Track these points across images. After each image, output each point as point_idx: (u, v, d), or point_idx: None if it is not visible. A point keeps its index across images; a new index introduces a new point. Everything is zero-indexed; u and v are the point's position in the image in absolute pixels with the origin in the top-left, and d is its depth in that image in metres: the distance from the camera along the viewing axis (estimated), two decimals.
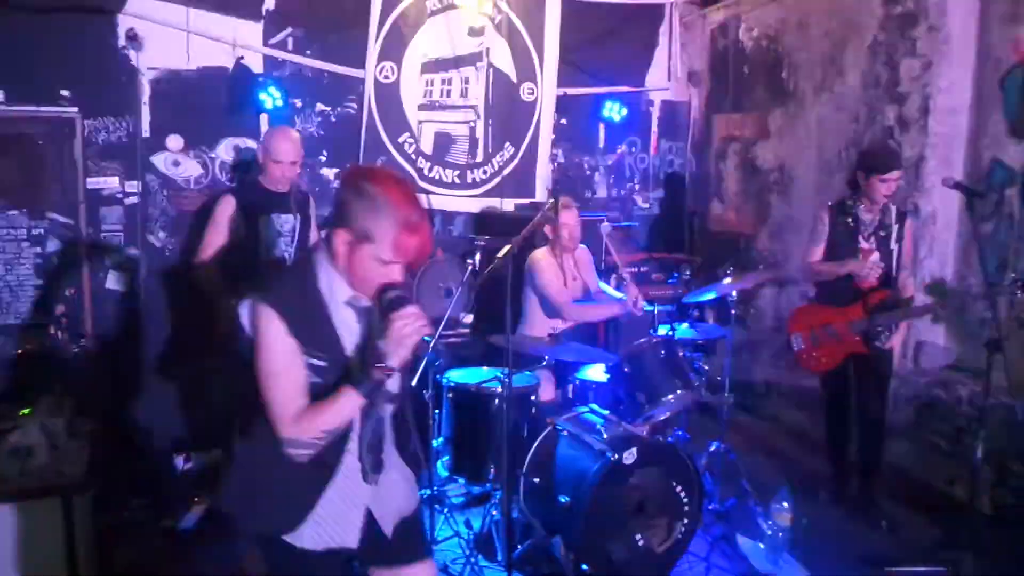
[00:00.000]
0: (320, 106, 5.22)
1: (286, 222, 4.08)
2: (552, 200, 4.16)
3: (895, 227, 4.21)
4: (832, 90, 5.29)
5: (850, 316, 4.15)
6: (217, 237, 3.95)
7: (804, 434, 5.48)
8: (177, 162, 4.86)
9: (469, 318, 5.17)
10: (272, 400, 1.92)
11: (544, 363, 4.19)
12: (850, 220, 4.24)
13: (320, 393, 1.95)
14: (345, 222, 1.90)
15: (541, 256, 4.43)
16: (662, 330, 4.43)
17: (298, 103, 5.13)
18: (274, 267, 3.88)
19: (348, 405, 1.94)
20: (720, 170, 6.44)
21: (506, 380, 3.34)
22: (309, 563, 2.04)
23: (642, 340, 3.95)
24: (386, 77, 5.27)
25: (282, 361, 1.91)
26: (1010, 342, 4.03)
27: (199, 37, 4.73)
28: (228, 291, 3.81)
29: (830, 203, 4.39)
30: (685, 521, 3.53)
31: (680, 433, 4.46)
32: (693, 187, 6.58)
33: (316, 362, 1.94)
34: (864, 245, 4.23)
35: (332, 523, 2.05)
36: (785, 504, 3.76)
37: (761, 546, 3.80)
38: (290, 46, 5.05)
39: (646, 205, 6.49)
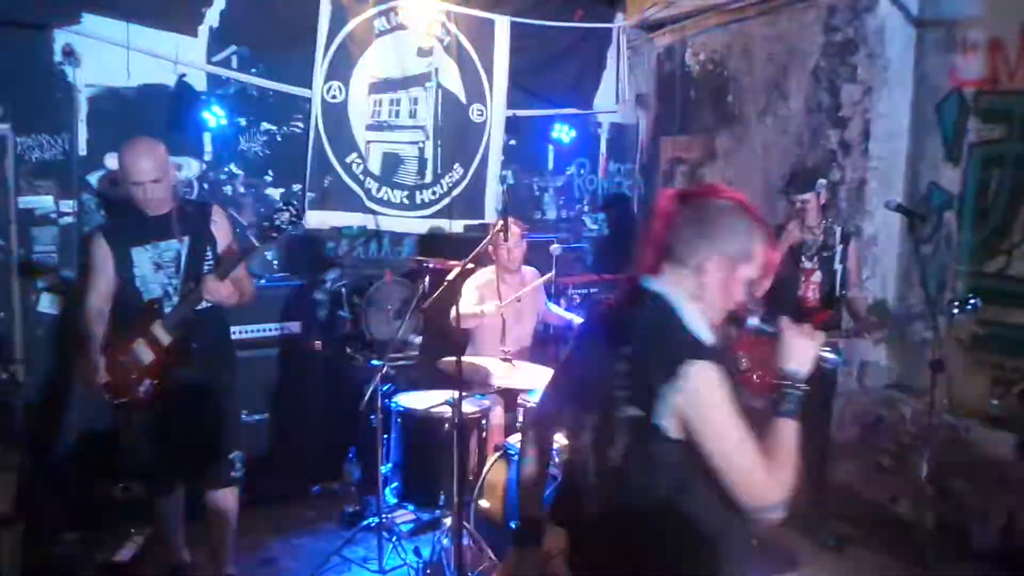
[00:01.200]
0: (266, 125, 5.12)
1: (167, 250, 3.31)
2: (500, 221, 4.12)
3: (839, 248, 4.29)
4: (776, 114, 5.40)
5: None
6: (97, 280, 3.32)
7: None
8: (116, 181, 4.70)
9: (418, 340, 5.10)
10: (744, 470, 1.67)
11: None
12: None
13: None
14: (716, 246, 1.77)
15: (477, 275, 4.41)
16: None
17: (243, 122, 5.02)
18: (152, 310, 3.26)
19: (790, 435, 1.75)
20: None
21: (456, 405, 3.29)
22: None
23: None
24: (334, 97, 5.20)
25: (742, 422, 1.69)
26: (950, 361, 4.13)
27: (139, 54, 4.60)
28: (108, 344, 3.28)
29: (774, 225, 4.46)
30: None
31: None
32: (641, 209, 6.62)
33: None
34: (807, 265, 4.31)
35: None
36: None
37: None
38: (234, 64, 4.94)
39: (595, 226, 6.52)
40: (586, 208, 6.46)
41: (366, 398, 3.50)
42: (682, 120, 6.26)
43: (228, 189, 5.00)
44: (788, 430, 1.75)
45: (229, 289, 3.22)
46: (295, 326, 4.80)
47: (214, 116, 4.77)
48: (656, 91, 6.50)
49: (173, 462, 3.41)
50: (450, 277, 3.18)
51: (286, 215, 3.23)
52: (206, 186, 4.91)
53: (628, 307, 1.86)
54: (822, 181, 4.27)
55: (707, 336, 1.76)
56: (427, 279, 3.72)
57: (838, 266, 4.29)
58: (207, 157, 4.92)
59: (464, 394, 3.71)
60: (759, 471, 1.68)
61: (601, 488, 1.81)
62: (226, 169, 5.00)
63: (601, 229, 6.54)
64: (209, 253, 3.37)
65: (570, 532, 1.97)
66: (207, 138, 4.86)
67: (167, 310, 3.26)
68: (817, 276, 4.30)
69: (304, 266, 5.19)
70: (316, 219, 5.27)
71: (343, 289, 5.06)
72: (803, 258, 4.32)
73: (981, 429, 4.26)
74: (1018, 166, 4.28)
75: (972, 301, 3.77)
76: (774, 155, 5.44)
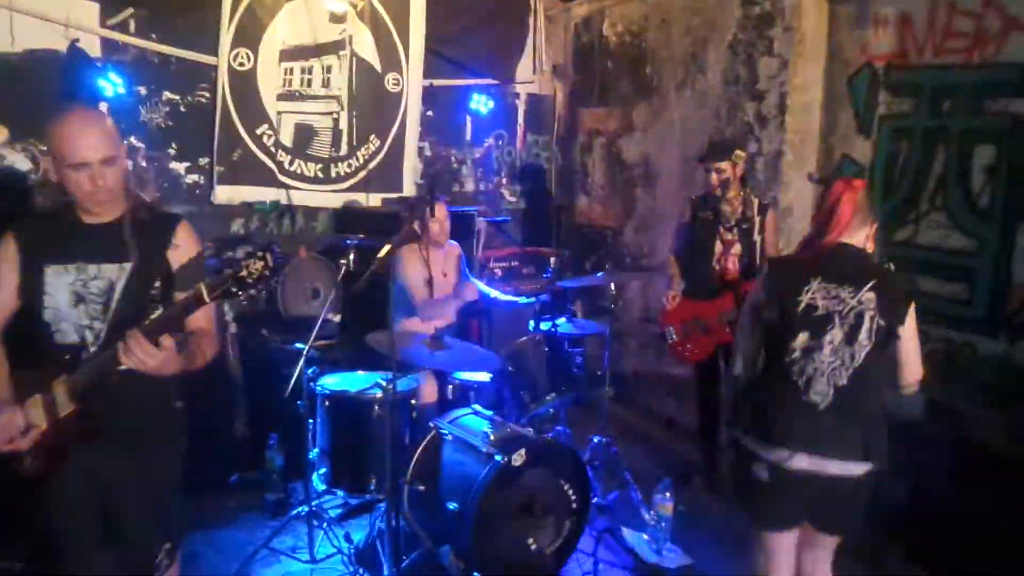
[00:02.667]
0: (168, 95, 4.80)
1: (96, 278, 2.31)
2: (427, 195, 4.01)
3: (757, 219, 4.37)
4: (694, 87, 5.43)
5: (720, 308, 4.27)
6: None
7: (674, 422, 5.63)
8: (1, 156, 4.33)
9: (337, 318, 4.94)
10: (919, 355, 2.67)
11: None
12: (711, 213, 4.38)
13: None
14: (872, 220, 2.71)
15: (407, 252, 4.28)
16: (542, 326, 4.40)
17: (143, 91, 4.70)
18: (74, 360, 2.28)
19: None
20: (586, 164, 6.50)
21: (390, 385, 3.18)
22: None
23: (524, 338, 3.89)
24: (241, 64, 4.92)
25: None
26: None
27: (25, 17, 4.22)
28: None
29: (692, 197, 4.52)
30: (573, 519, 3.50)
31: (560, 429, 4.44)
32: (559, 181, 6.60)
33: None
34: (727, 237, 4.38)
35: None
36: (667, 494, 3.81)
37: (645, 537, 3.85)
38: (132, 28, 4.61)
39: (514, 199, 6.45)
40: (504, 181, 6.39)
41: (292, 382, 3.34)
42: (600, 92, 6.24)
43: (128, 164, 4.67)
44: None
45: (162, 356, 2.10)
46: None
47: (111, 84, 4.44)
48: (573, 62, 6.46)
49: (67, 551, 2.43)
50: (381, 255, 3.05)
51: (258, 265, 2.05)
52: None
53: (846, 256, 2.61)
54: (740, 152, 4.33)
55: None
56: (352, 256, 3.56)
57: (757, 237, 4.38)
58: None
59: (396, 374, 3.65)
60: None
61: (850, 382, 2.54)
62: (125, 142, 4.65)
63: (519, 202, 6.49)
64: (156, 289, 2.34)
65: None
66: (104, 109, 4.52)
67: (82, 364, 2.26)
68: (737, 248, 4.37)
69: (213, 244, 4.93)
70: (225, 194, 5.01)
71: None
72: (722, 229, 4.38)
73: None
74: (925, 139, 4.44)
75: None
76: (692, 128, 5.48)
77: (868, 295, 2.51)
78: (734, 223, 4.35)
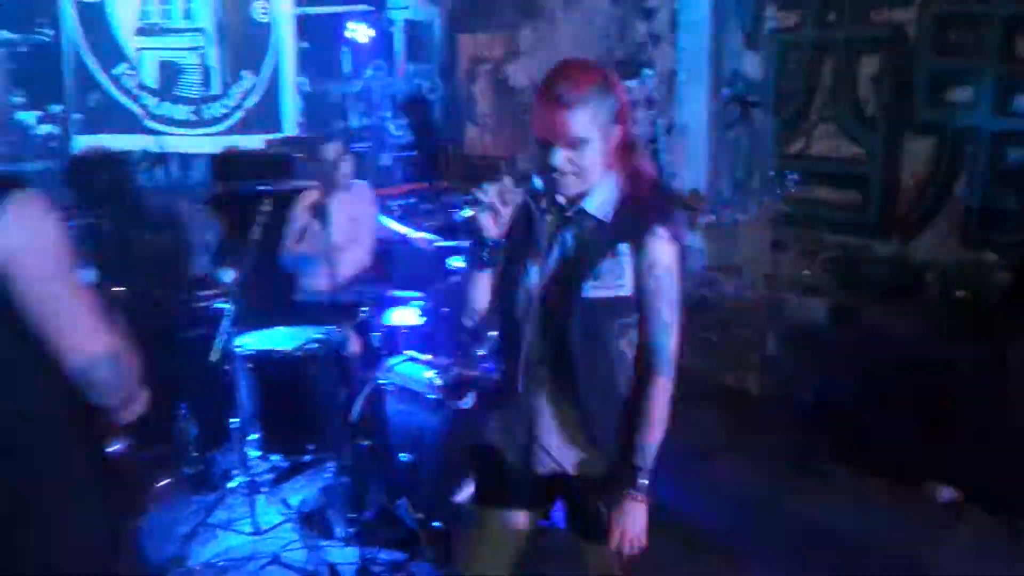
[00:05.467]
0: (3, 34, 4.16)
1: None
2: (323, 136, 3.73)
3: (663, 138, 4.39)
4: (582, 6, 5.32)
5: None
6: None
7: None
8: None
9: (231, 276, 4.57)
10: None
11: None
12: None
13: None
14: None
15: (303, 196, 3.98)
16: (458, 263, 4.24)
17: None
18: None
19: None
20: (471, 92, 6.29)
21: (328, 338, 2.98)
22: None
23: (459, 275, 3.73)
24: None
25: None
26: (764, 239, 4.46)
27: None
28: None
29: None
30: None
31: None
32: (445, 112, 6.36)
33: None
34: None
35: None
36: None
37: None
38: None
39: (399, 133, 6.17)
40: (388, 114, 6.08)
41: (219, 346, 3.05)
42: (480, 16, 6.01)
43: None
44: None
45: None
46: (87, 273, 4.07)
47: None
48: None
49: None
50: (309, 201, 2.81)
51: None
52: None
53: None
54: (648, 71, 4.29)
55: None
56: (268, 204, 3.25)
57: (665, 157, 4.40)
58: None
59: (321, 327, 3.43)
60: None
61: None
62: None
63: (404, 135, 6.21)
64: None
65: None
66: None
67: None
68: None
69: (80, 200, 4.40)
70: (87, 145, 4.46)
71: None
72: None
73: (796, 299, 4.65)
74: (811, 51, 4.58)
75: (792, 177, 4.03)
76: (581, 49, 5.37)
77: None
78: (645, 143, 4.34)
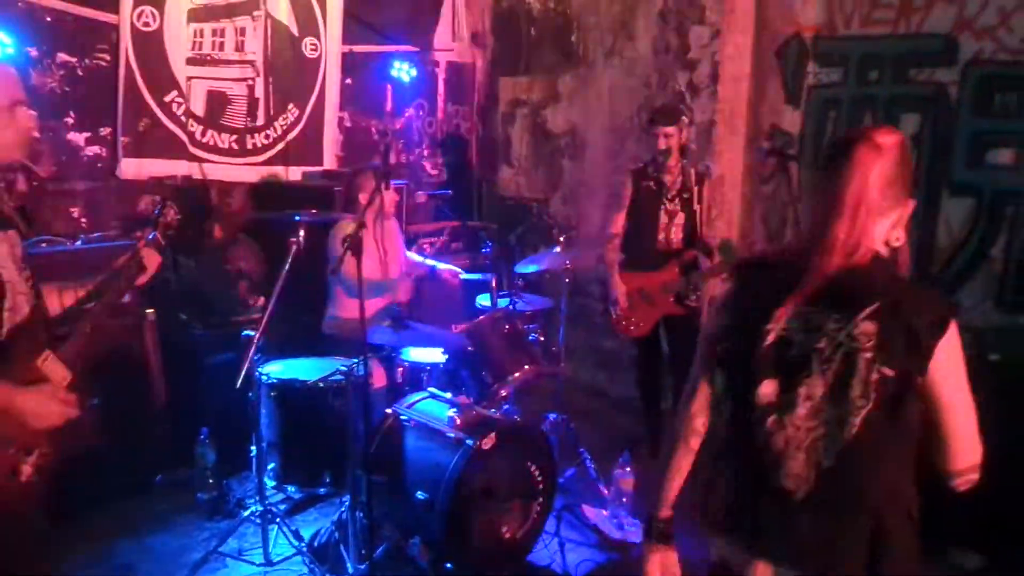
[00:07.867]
0: (63, 57, 4.31)
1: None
2: (372, 169, 3.80)
3: (695, 188, 4.36)
4: (623, 55, 5.37)
5: (665, 278, 4.25)
6: None
7: (603, 393, 5.62)
8: None
9: (260, 302, 4.63)
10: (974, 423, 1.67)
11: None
12: (653, 184, 4.33)
13: None
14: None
15: (340, 227, 4.04)
16: (485, 301, 4.26)
17: (33, 52, 4.19)
18: None
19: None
20: (508, 134, 6.35)
21: (354, 370, 2.99)
22: None
23: (484, 315, 3.74)
24: (146, 24, 4.49)
25: None
26: None
27: None
28: None
29: (632, 168, 4.45)
30: (540, 500, 3.41)
31: (508, 408, 4.33)
32: (481, 152, 6.43)
33: None
34: (670, 207, 4.35)
35: None
36: (627, 469, 3.78)
37: (605, 513, 3.81)
38: None
39: (435, 171, 6.24)
40: (426, 152, 6.16)
41: (243, 373, 3.07)
42: (522, 60, 6.09)
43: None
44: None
45: None
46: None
47: None
48: (493, 29, 6.27)
49: None
50: (350, 231, 2.86)
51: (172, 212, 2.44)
52: None
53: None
54: (685, 118, 4.30)
55: None
56: (301, 234, 3.30)
57: (696, 206, 4.37)
58: None
59: (348, 359, 3.43)
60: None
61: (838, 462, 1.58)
62: None
63: (441, 174, 6.28)
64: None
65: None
66: None
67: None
68: (680, 218, 4.35)
69: (120, 223, 4.50)
70: (132, 169, 4.58)
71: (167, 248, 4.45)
72: (665, 200, 4.35)
73: None
74: (852, 108, 4.56)
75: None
76: (620, 97, 5.43)
77: (865, 326, 1.55)
78: (676, 193, 4.33)
